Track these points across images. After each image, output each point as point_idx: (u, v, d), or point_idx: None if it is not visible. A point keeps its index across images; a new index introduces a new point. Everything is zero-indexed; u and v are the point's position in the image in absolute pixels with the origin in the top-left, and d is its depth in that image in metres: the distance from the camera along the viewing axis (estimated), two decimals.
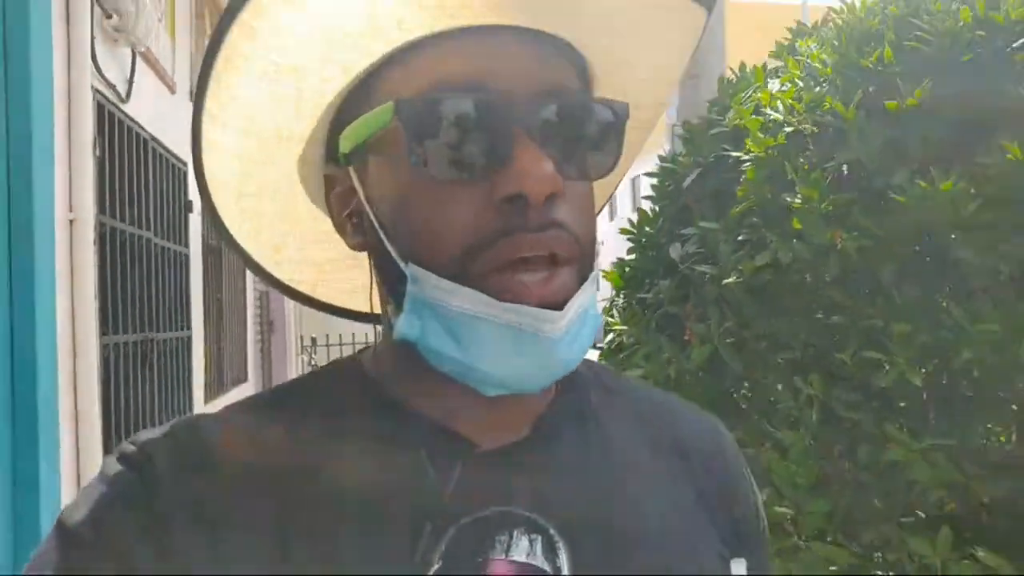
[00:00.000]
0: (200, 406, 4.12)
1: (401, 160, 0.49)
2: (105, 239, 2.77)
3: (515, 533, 0.49)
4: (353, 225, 0.56)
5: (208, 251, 4.61)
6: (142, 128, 3.24)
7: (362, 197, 0.53)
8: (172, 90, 3.69)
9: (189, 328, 3.97)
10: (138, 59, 3.12)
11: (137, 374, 3.10)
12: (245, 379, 5.91)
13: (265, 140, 0.55)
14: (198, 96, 0.52)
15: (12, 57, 2.13)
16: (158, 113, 3.44)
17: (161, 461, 0.49)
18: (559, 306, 0.48)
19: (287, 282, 0.67)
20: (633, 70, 0.59)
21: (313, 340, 9.69)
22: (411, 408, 0.53)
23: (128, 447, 0.51)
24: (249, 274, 4.40)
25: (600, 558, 0.50)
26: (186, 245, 3.97)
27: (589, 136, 0.51)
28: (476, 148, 0.48)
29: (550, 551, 0.49)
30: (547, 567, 0.49)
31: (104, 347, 2.72)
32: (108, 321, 2.77)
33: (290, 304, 7.45)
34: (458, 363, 0.49)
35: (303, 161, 0.58)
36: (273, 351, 7.62)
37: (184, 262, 3.93)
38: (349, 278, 0.67)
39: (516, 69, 0.49)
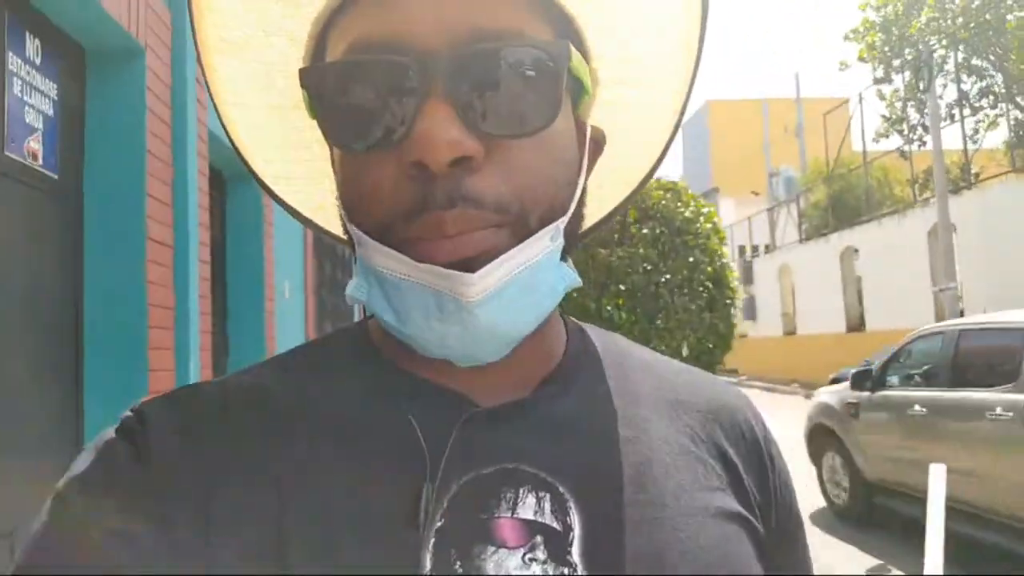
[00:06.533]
0: None
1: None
2: None
3: (521, 491, 0.47)
4: None
5: None
6: None
7: (333, 160, 0.53)
8: None
9: None
10: None
11: None
12: None
13: (256, 108, 0.56)
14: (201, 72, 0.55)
15: None
16: None
17: (154, 424, 0.48)
18: (473, 268, 0.45)
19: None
20: (626, 33, 0.54)
21: None
22: (408, 369, 0.52)
23: (126, 413, 0.50)
24: None
25: (611, 515, 0.48)
26: None
27: (517, 85, 0.46)
28: (380, 114, 0.45)
29: (559, 508, 0.47)
30: (556, 525, 0.47)
31: None
32: None
33: None
34: (396, 330, 0.48)
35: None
36: None
37: None
38: None
39: (435, 19, 0.46)
